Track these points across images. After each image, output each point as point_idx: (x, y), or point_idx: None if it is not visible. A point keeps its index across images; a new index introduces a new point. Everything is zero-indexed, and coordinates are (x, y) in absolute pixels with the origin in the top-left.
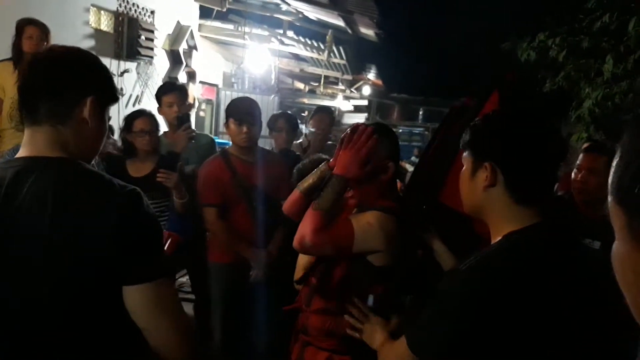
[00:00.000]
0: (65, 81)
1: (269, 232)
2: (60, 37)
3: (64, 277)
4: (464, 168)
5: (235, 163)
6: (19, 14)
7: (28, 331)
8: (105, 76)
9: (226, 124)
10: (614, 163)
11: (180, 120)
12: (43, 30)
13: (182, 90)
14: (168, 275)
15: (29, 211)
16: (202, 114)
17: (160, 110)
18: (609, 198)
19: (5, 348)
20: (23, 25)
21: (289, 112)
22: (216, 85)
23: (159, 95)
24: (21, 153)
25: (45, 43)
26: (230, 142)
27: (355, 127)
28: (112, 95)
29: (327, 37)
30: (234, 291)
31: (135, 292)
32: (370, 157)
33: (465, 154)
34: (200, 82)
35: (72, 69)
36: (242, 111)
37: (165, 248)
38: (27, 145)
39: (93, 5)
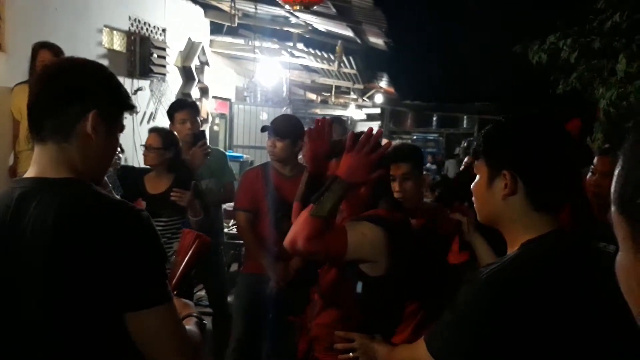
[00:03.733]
0: (64, 96)
1: None
2: None
3: (61, 303)
4: (477, 177)
5: (272, 175)
6: (33, 37)
7: (24, 356)
8: (110, 87)
9: None
10: (616, 172)
11: (195, 138)
12: (55, 53)
13: (194, 107)
14: (169, 301)
15: (31, 235)
16: (216, 128)
17: (172, 127)
18: (612, 208)
19: None
20: (37, 49)
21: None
22: (229, 100)
23: (170, 112)
24: (29, 173)
25: None
26: (243, 156)
27: (368, 132)
28: (119, 106)
29: (337, 47)
30: (256, 300)
31: (135, 318)
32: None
33: (477, 162)
34: (213, 97)
35: (71, 83)
36: (272, 126)
37: (191, 252)
38: (34, 164)
39: (106, 26)
